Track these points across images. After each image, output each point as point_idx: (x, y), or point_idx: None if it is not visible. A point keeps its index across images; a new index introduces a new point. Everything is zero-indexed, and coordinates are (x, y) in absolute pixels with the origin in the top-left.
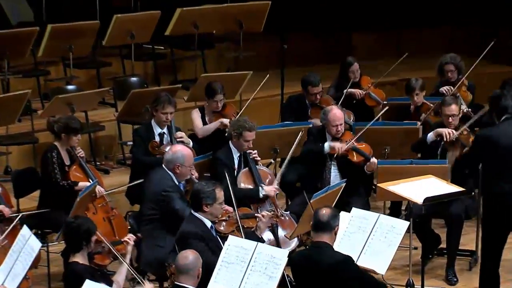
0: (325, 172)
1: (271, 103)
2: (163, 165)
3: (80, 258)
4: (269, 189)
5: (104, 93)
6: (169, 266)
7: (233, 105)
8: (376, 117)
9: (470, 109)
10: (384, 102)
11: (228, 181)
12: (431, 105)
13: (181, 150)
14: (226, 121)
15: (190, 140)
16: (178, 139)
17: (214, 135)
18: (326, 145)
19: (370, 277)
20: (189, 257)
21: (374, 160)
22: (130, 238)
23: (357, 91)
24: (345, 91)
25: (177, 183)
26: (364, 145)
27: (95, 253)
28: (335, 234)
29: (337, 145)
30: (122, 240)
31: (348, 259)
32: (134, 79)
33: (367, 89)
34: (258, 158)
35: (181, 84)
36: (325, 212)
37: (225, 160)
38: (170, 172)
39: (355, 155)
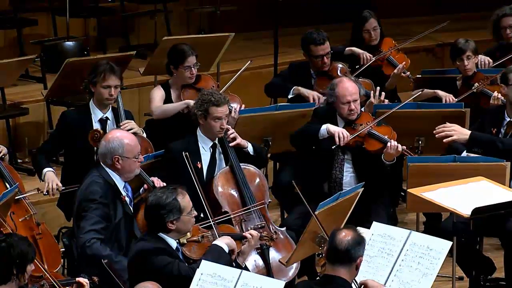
0: (335, 170)
1: (261, 76)
2: (101, 163)
3: None
4: None
5: (28, 63)
6: None
7: (211, 77)
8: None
9: None
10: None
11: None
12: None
13: (118, 137)
14: (192, 102)
15: (142, 130)
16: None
17: (182, 122)
18: (324, 128)
19: None
20: None
21: (393, 143)
22: (85, 281)
23: (363, 54)
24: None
25: (120, 185)
26: (383, 127)
27: None
28: (357, 268)
29: (339, 131)
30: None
31: None
32: (69, 43)
33: (386, 53)
34: (239, 140)
35: (135, 50)
36: (344, 235)
37: (175, 152)
38: (109, 170)
39: (372, 142)
